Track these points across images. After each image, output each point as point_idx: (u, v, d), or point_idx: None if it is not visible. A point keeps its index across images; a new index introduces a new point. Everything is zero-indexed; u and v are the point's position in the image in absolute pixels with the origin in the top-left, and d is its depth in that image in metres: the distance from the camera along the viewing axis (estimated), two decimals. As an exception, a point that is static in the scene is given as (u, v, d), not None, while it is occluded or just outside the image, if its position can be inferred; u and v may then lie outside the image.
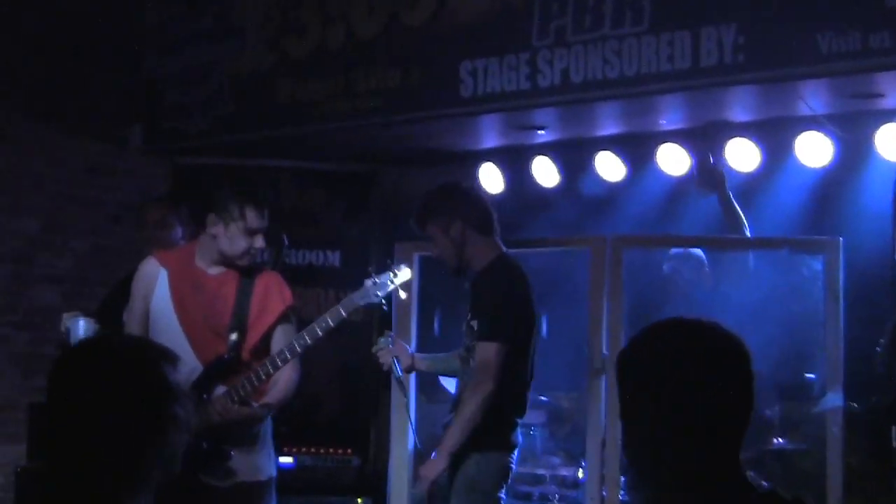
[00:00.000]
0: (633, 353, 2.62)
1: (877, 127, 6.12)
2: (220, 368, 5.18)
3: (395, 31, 6.93)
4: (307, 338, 5.20)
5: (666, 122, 6.81)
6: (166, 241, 6.24)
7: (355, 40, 7.10)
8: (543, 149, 7.44)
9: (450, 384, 6.91)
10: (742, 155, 6.59)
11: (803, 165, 6.41)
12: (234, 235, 5.18)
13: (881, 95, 5.93)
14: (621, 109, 6.62)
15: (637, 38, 5.97)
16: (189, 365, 4.97)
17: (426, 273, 6.84)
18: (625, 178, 7.13)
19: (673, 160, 6.87)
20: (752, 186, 6.68)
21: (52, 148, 7.94)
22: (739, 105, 6.38)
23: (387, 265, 5.52)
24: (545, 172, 7.44)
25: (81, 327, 5.98)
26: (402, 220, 7.87)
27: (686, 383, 2.51)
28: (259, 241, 5.25)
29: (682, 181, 6.90)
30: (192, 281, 5.26)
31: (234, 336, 5.20)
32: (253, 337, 5.26)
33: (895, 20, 5.20)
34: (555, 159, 7.40)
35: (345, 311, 5.28)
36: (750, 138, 6.55)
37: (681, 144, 6.83)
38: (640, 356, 2.60)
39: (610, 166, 7.15)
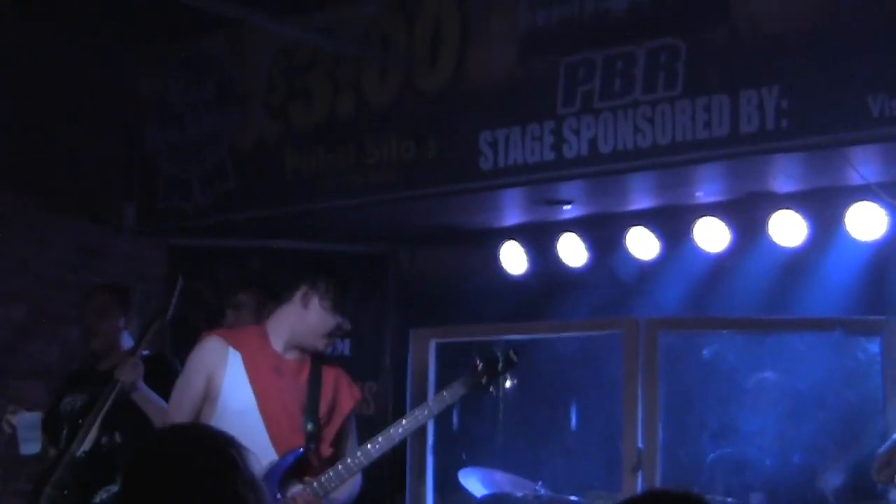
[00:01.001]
0: None
1: (935, 195, 5.99)
2: (298, 461, 5.15)
3: (409, 98, 6.87)
4: (395, 437, 5.30)
5: (703, 194, 6.70)
6: (106, 331, 6.18)
7: (367, 109, 7.03)
8: (570, 225, 7.33)
9: (472, 485, 6.76)
10: (788, 228, 6.46)
11: (855, 239, 6.29)
12: (323, 314, 5.21)
13: (939, 161, 5.81)
14: (654, 181, 6.52)
15: (671, 104, 5.90)
16: (268, 456, 4.97)
17: (443, 358, 6.75)
18: (659, 255, 7.01)
19: (711, 235, 6.74)
20: (799, 262, 6.55)
21: (39, 228, 7.86)
22: (784, 174, 6.27)
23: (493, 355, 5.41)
24: (572, 250, 7.33)
25: (27, 421, 5.92)
26: (419, 305, 7.81)
27: None
28: (346, 323, 5.37)
29: (722, 258, 6.77)
30: (272, 366, 5.22)
31: (309, 427, 5.19)
32: (329, 431, 5.28)
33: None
34: (583, 236, 7.29)
35: (437, 409, 5.36)
36: (796, 210, 6.44)
37: (720, 218, 6.70)
38: None
39: (643, 243, 7.04)
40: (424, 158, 6.80)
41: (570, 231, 7.32)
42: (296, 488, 5.11)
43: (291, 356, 5.26)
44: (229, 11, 6.26)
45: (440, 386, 6.65)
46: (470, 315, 7.33)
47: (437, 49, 6.76)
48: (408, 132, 6.86)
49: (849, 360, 6.20)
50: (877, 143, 5.51)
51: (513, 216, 7.50)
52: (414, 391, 6.91)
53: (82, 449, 5.75)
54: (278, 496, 5.04)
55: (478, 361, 5.35)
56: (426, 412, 5.31)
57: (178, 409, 5.14)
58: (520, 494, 6.55)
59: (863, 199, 6.21)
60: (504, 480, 6.83)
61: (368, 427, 7.76)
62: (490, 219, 7.55)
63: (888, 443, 5.32)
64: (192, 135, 7.92)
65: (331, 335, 5.27)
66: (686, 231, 6.84)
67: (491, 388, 5.44)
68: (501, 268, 7.53)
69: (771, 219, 6.51)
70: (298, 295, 5.20)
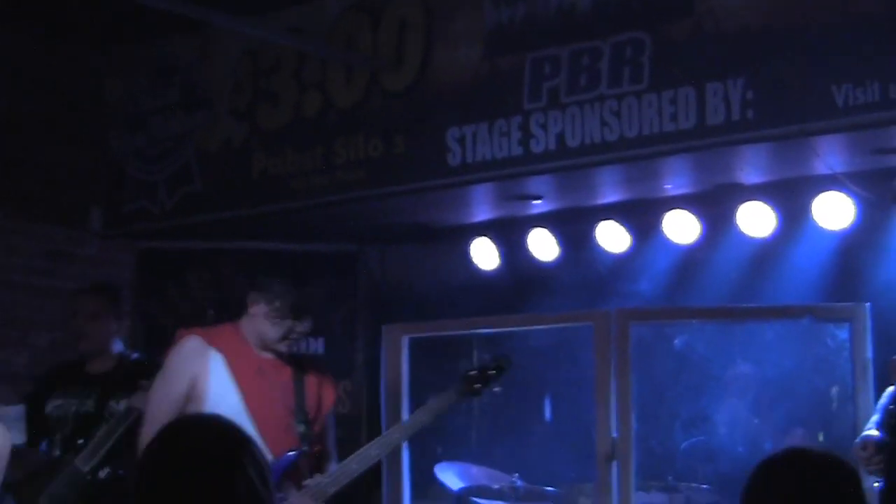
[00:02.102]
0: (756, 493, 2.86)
1: (901, 184, 6.09)
2: (293, 463, 5.16)
3: (375, 97, 6.93)
4: (392, 442, 5.42)
5: (671, 187, 6.78)
6: (97, 336, 6.16)
7: (334, 108, 7.08)
8: (540, 220, 7.40)
9: (449, 479, 6.83)
10: (756, 219, 6.55)
11: (822, 228, 6.38)
12: (275, 317, 5.19)
13: (904, 150, 5.92)
14: (622, 175, 6.59)
15: (637, 97, 5.98)
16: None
17: (417, 354, 6.79)
18: (629, 248, 7.08)
19: (681, 228, 6.83)
20: (767, 252, 6.64)
21: (6, 233, 7.86)
22: (751, 165, 6.36)
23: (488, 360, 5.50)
24: (543, 245, 7.40)
25: (11, 414, 5.92)
26: (391, 303, 7.87)
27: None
28: (301, 326, 5.27)
29: (692, 250, 6.86)
30: (254, 366, 5.23)
31: (301, 428, 5.22)
32: (316, 430, 5.31)
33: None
34: (553, 231, 7.36)
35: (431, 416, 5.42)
36: (764, 201, 6.53)
37: (689, 210, 6.80)
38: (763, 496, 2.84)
39: (612, 236, 7.11)
40: (392, 156, 6.86)
41: (540, 226, 7.39)
42: (293, 493, 5.11)
43: (268, 356, 5.28)
44: (193, 13, 6.29)
45: (414, 381, 6.74)
46: (442, 312, 7.39)
47: (402, 47, 6.82)
48: (375, 130, 6.92)
49: (818, 348, 6.30)
50: (842, 132, 5.59)
51: (482, 212, 7.56)
52: (388, 387, 6.95)
53: (90, 466, 5.72)
54: (280, 496, 5.05)
55: (471, 371, 5.41)
56: (424, 417, 5.37)
57: (159, 410, 5.07)
58: (496, 487, 6.63)
59: (829, 189, 6.29)
60: (480, 474, 6.90)
61: (345, 426, 7.85)
62: (460, 215, 7.61)
63: (867, 434, 5.37)
64: (157, 137, 7.95)
65: (286, 338, 5.24)
66: (655, 224, 6.92)
67: (482, 394, 5.47)
68: (473, 264, 7.59)
69: (739, 210, 6.60)
70: (250, 304, 5.23)
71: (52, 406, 6.02)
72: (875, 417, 5.41)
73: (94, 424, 5.83)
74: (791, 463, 2.88)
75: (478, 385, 5.40)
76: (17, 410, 6.00)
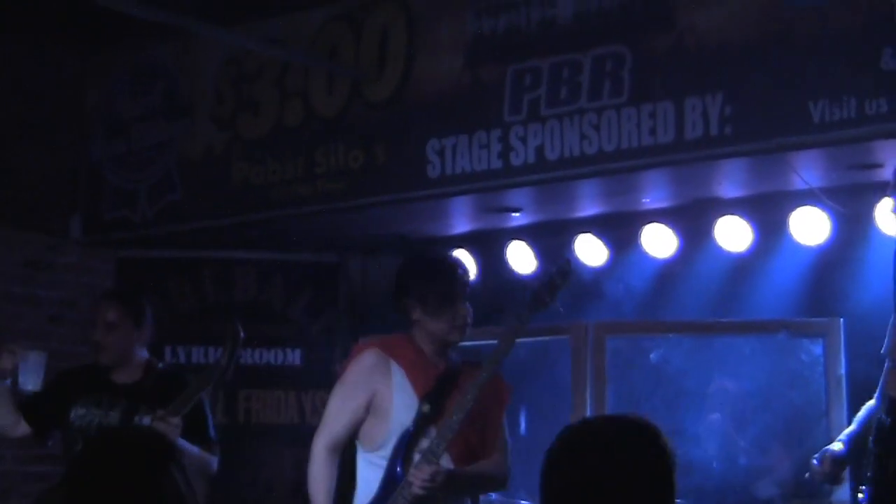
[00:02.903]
0: (558, 455, 2.81)
1: (877, 199, 6.14)
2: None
3: (357, 107, 6.96)
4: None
5: (650, 201, 6.83)
6: (117, 346, 6.07)
7: (315, 117, 7.12)
8: (518, 233, 7.44)
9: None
10: (733, 233, 6.61)
11: (799, 243, 6.43)
12: (435, 313, 5.15)
13: (880, 166, 5.95)
14: (601, 188, 6.64)
15: (616, 111, 6.02)
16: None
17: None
18: (607, 261, 7.12)
19: (658, 241, 6.88)
20: (744, 266, 6.68)
21: (-19, 241, 7.88)
22: (728, 180, 6.41)
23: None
24: (521, 258, 7.43)
25: (33, 359, 5.84)
26: (370, 314, 7.88)
27: (619, 478, 2.72)
28: (462, 308, 5.21)
29: (669, 263, 6.91)
30: (432, 376, 5.18)
31: (474, 438, 5.19)
32: (489, 435, 5.28)
33: (893, 84, 5.25)
34: (531, 244, 7.40)
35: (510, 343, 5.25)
36: (741, 215, 6.58)
37: (666, 224, 6.84)
38: (565, 458, 2.80)
39: (591, 250, 7.15)
40: (372, 167, 6.89)
41: (518, 239, 7.43)
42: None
43: (440, 363, 5.23)
44: (175, 20, 6.32)
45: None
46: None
47: (384, 58, 6.86)
48: (356, 141, 6.95)
49: (793, 363, 6.32)
50: (818, 147, 5.64)
51: (461, 224, 7.60)
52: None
53: None
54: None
55: (537, 284, 5.32)
56: (504, 347, 5.21)
57: (337, 421, 5.19)
58: (469, 501, 6.64)
59: (806, 204, 6.35)
60: (455, 486, 6.90)
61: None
62: (439, 227, 7.65)
63: (827, 449, 5.40)
64: (138, 145, 7.95)
65: (457, 326, 5.18)
66: (633, 237, 6.96)
67: (557, 305, 5.32)
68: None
69: (716, 224, 6.65)
70: (410, 312, 5.20)
71: (75, 414, 5.90)
72: (850, 429, 5.45)
73: None
74: (581, 435, 2.84)
75: (548, 297, 5.29)
76: (39, 357, 5.88)
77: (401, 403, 5.09)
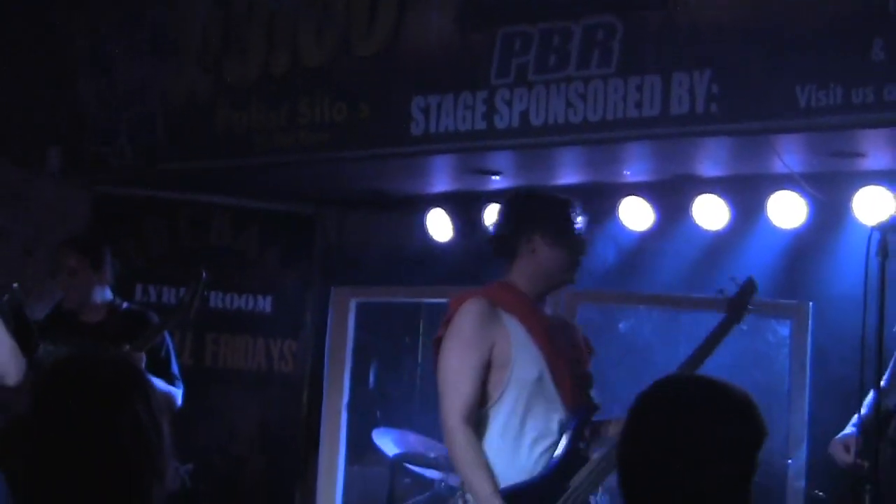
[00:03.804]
0: (647, 408, 2.76)
1: (855, 189, 6.17)
2: (587, 418, 4.84)
3: (344, 60, 6.92)
4: None
5: (630, 174, 6.84)
6: (78, 291, 6.15)
7: (301, 67, 7.08)
8: (497, 196, 7.39)
9: (385, 445, 6.86)
10: (710, 212, 6.63)
11: (775, 226, 6.46)
12: (561, 244, 4.82)
13: (861, 155, 5.99)
14: (583, 157, 6.64)
15: (604, 81, 6.00)
16: (561, 417, 4.71)
17: (364, 320, 6.80)
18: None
19: (636, 214, 6.89)
20: (718, 245, 6.71)
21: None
22: (710, 159, 6.42)
23: None
24: (498, 221, 7.41)
25: None
26: (344, 267, 7.89)
27: (699, 443, 2.66)
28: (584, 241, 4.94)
29: (645, 237, 6.93)
30: (544, 326, 4.82)
31: (588, 387, 4.90)
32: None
33: (880, 75, 5.26)
34: (509, 208, 7.37)
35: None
36: (720, 195, 6.60)
37: (645, 198, 6.85)
38: (655, 412, 2.75)
39: (567, 218, 7.14)
40: (356, 121, 6.85)
41: (496, 202, 7.40)
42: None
43: (544, 311, 4.91)
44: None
45: (358, 345, 6.73)
46: (394, 279, 7.43)
47: (374, 12, 6.81)
48: (341, 94, 6.90)
49: (759, 342, 6.36)
50: (802, 132, 5.66)
51: (441, 183, 7.60)
52: (332, 349, 6.99)
53: None
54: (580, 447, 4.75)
55: (734, 296, 5.21)
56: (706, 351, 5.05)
57: (464, 385, 4.61)
58: (432, 455, 6.67)
59: (785, 188, 6.38)
60: (417, 441, 6.94)
61: (287, 386, 7.90)
62: (418, 185, 7.64)
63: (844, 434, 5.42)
64: (122, 84, 7.89)
65: (576, 261, 4.87)
66: (611, 209, 6.97)
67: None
68: (427, 234, 7.63)
69: (695, 202, 6.67)
70: (526, 242, 4.81)
71: (44, 351, 5.94)
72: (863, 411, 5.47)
73: None
74: (667, 391, 2.79)
75: (741, 309, 5.21)
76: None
77: (521, 356, 4.68)
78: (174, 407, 5.97)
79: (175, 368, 6.11)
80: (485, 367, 4.63)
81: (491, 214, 7.38)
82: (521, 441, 4.62)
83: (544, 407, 4.66)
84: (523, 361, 4.66)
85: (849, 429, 5.18)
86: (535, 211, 4.86)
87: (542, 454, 4.64)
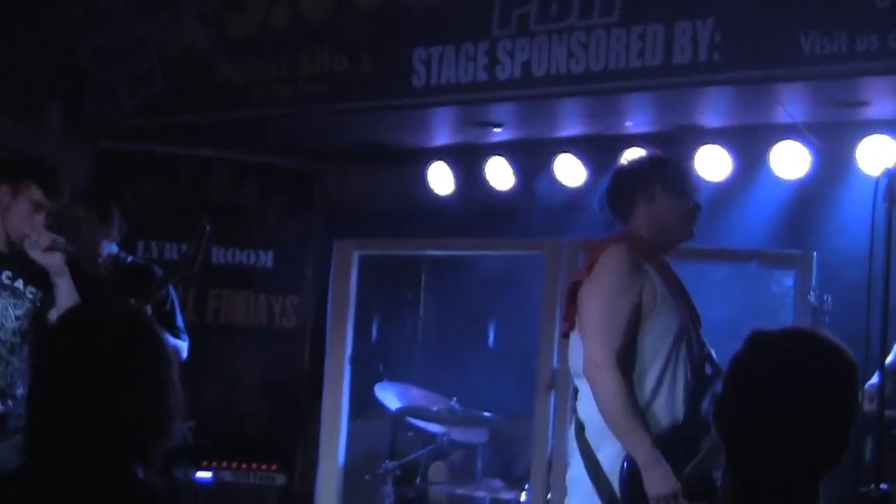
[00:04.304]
0: (751, 362, 2.73)
1: (859, 138, 6.10)
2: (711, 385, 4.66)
3: (344, 12, 6.85)
4: None
5: (633, 125, 6.78)
6: (83, 241, 5.99)
7: (301, 21, 7.00)
8: (499, 148, 7.37)
9: (388, 399, 6.84)
10: (713, 162, 6.56)
11: (778, 177, 6.40)
12: (677, 193, 4.71)
13: (865, 104, 5.93)
14: (585, 108, 6.59)
15: (606, 31, 5.94)
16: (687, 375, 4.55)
17: (365, 275, 6.76)
18: (585, 182, 7.06)
19: (639, 165, 6.82)
20: (722, 196, 6.62)
21: (-41, 125, 7.77)
22: (713, 109, 6.36)
23: None
24: (500, 174, 7.37)
25: None
26: (345, 221, 7.84)
27: (804, 397, 2.64)
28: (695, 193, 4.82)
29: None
30: (675, 279, 4.70)
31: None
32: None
33: (885, 22, 5.20)
34: (511, 160, 7.33)
35: None
36: (722, 145, 6.52)
37: (647, 149, 6.76)
38: (760, 365, 2.71)
39: (570, 170, 7.09)
40: (357, 73, 6.79)
41: (498, 154, 7.35)
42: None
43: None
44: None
45: (360, 299, 6.70)
46: (395, 233, 7.38)
47: (374, -37, 6.76)
48: (341, 46, 6.84)
49: (763, 293, 6.31)
50: (806, 80, 5.61)
51: (442, 136, 7.53)
52: (335, 303, 6.94)
53: None
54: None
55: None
56: None
57: (615, 331, 4.40)
58: (434, 409, 6.64)
59: (788, 138, 6.31)
60: (419, 395, 6.92)
61: (289, 341, 7.87)
62: (419, 138, 7.57)
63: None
64: (121, 38, 7.82)
65: (693, 214, 4.74)
66: (613, 160, 6.86)
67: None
68: (429, 188, 7.56)
69: (697, 152, 6.60)
70: (640, 197, 4.66)
71: None
72: (889, 358, 5.44)
73: None
74: (786, 340, 2.75)
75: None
76: None
77: (664, 306, 4.50)
78: (181, 359, 5.92)
79: (180, 321, 6.05)
80: (635, 314, 4.45)
81: (493, 168, 7.33)
82: (674, 389, 4.47)
83: (684, 360, 4.52)
84: (666, 312, 4.52)
85: (874, 378, 5.14)
86: (652, 167, 4.77)
87: (683, 406, 4.49)
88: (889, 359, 5.53)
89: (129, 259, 6.23)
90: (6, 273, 5.26)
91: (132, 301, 5.53)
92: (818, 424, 2.64)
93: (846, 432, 2.66)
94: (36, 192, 5.23)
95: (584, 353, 4.42)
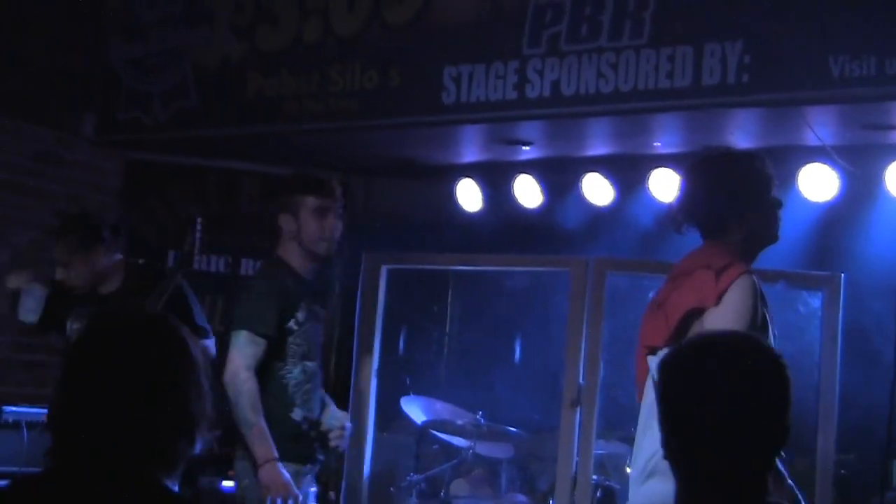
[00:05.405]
0: (679, 363, 2.80)
1: (887, 162, 6.08)
2: None
3: (376, 29, 6.83)
4: None
5: (661, 145, 6.74)
6: (83, 267, 5.91)
7: (333, 36, 6.99)
8: (527, 167, 7.36)
9: (413, 412, 6.82)
10: (741, 183, 6.51)
11: (806, 198, 6.36)
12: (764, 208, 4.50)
13: (894, 128, 5.89)
14: (613, 128, 6.56)
15: (635, 52, 5.92)
16: None
17: (393, 288, 6.73)
18: (613, 201, 7.04)
19: (665, 186, 6.79)
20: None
21: (-5, 131, 7.79)
22: (741, 130, 6.32)
23: None
24: (528, 192, 7.35)
25: (36, 293, 5.95)
26: (372, 235, 7.83)
27: (729, 395, 2.70)
28: None
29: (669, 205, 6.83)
30: None
31: None
32: None
33: (915, 46, 5.17)
34: (538, 179, 7.31)
35: None
36: (750, 166, 6.47)
37: (675, 170, 6.75)
38: (686, 366, 2.78)
39: (597, 189, 7.07)
40: (387, 89, 6.77)
41: (526, 172, 7.34)
42: None
43: None
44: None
45: (387, 312, 6.67)
46: (422, 248, 7.36)
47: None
48: (372, 62, 6.82)
49: (790, 313, 6.27)
50: (835, 103, 5.56)
51: (470, 153, 7.51)
52: (363, 315, 6.92)
53: None
54: None
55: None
56: None
57: None
58: (459, 423, 6.62)
59: (816, 160, 6.28)
60: (445, 409, 6.90)
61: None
62: (448, 155, 7.55)
63: None
64: (155, 49, 7.82)
65: (780, 218, 4.59)
66: (641, 180, 6.88)
67: None
68: (456, 204, 7.55)
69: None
70: (734, 215, 4.40)
71: (70, 329, 5.89)
72: None
73: None
74: (702, 350, 2.81)
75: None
76: (40, 291, 5.98)
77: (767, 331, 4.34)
78: (211, 358, 5.85)
79: (201, 321, 5.95)
80: None
81: (521, 186, 7.30)
82: None
83: None
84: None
85: None
86: (739, 172, 4.49)
87: None
88: None
89: (140, 261, 6.19)
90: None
91: (144, 304, 5.52)
92: (761, 415, 2.70)
93: (786, 418, 2.72)
94: (311, 202, 5.36)
95: None
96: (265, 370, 5.12)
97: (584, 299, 6.01)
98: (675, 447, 2.75)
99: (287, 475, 4.96)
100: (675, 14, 5.82)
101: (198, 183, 8.16)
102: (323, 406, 5.35)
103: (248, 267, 7.90)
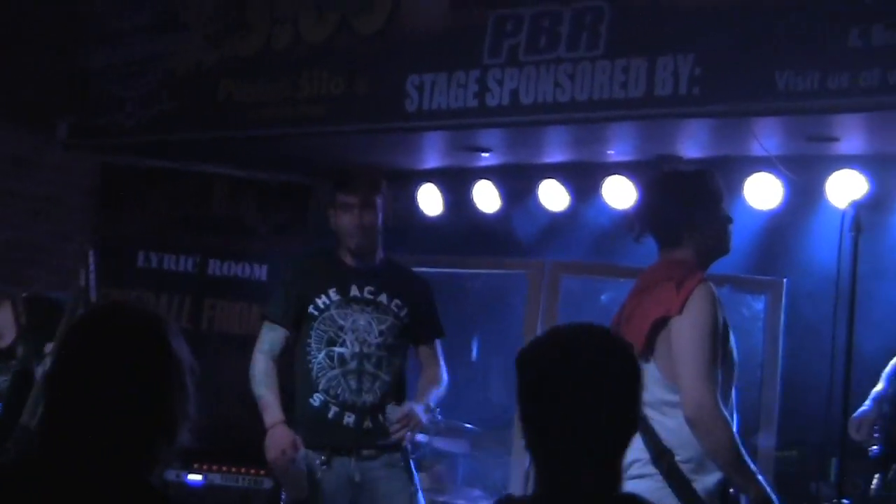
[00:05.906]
0: (530, 354, 2.85)
1: (829, 172, 6.19)
2: None
3: (343, 37, 6.90)
4: None
5: (615, 153, 6.84)
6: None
7: (302, 43, 7.06)
8: (486, 173, 7.45)
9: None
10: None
11: (751, 206, 6.47)
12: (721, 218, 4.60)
13: (835, 139, 6.00)
14: (570, 136, 6.64)
15: (591, 63, 5.99)
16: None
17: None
18: (568, 207, 7.14)
19: (618, 193, 6.89)
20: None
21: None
22: (692, 140, 6.43)
23: None
24: (487, 197, 7.45)
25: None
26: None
27: (577, 384, 2.72)
28: None
29: (627, 214, 6.93)
30: None
31: None
32: None
33: (856, 62, 5.26)
34: (497, 184, 7.40)
35: None
36: (699, 175, 6.58)
37: (628, 177, 6.86)
38: (537, 357, 2.83)
39: (553, 195, 7.17)
40: (353, 96, 6.84)
41: (485, 178, 7.44)
42: None
43: None
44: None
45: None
46: (386, 250, 7.40)
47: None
48: (339, 69, 6.89)
49: (734, 316, 6.35)
50: (780, 115, 5.66)
51: (432, 160, 7.59)
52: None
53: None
54: None
55: None
56: None
57: (714, 365, 4.14)
58: (417, 419, 6.66)
59: (762, 170, 6.39)
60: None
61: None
62: (410, 160, 7.63)
63: (862, 408, 5.50)
64: (130, 55, 7.87)
65: (730, 231, 4.64)
66: (595, 187, 6.98)
67: None
68: (418, 208, 7.63)
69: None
70: (685, 224, 4.49)
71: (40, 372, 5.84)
72: (879, 387, 5.52)
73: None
74: (550, 343, 2.85)
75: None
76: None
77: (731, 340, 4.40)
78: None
79: None
80: (722, 350, 4.28)
81: (480, 191, 7.38)
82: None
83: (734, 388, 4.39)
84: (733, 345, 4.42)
85: (867, 404, 5.22)
86: (692, 188, 4.57)
87: None
88: (879, 387, 5.62)
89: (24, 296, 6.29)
90: (368, 288, 5.38)
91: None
92: (608, 403, 2.73)
93: (634, 407, 2.79)
94: (339, 198, 5.48)
95: (683, 394, 4.12)
96: (296, 354, 5.36)
97: (540, 300, 6.10)
98: (529, 436, 2.79)
99: (286, 437, 5.10)
100: (629, 27, 5.90)
101: (171, 185, 8.19)
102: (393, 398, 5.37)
103: (215, 268, 7.94)
